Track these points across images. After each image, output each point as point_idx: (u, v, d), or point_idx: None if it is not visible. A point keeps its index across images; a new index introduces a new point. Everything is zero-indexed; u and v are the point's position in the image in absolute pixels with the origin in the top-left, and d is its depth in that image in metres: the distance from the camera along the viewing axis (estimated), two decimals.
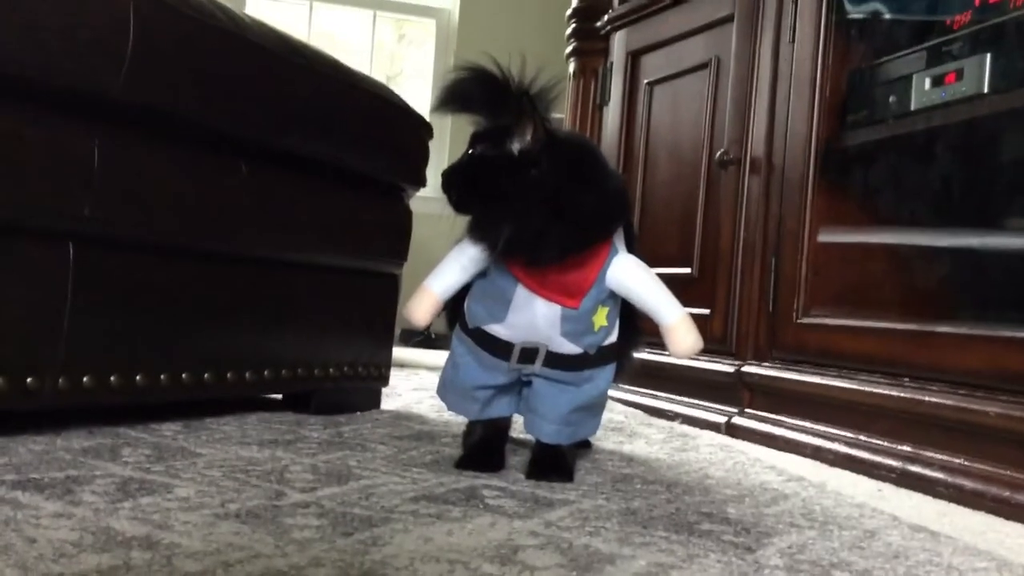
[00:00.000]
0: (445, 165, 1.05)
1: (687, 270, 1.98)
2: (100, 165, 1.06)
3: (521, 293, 1.02)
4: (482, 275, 1.07)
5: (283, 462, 1.04)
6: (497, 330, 1.06)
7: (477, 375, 1.09)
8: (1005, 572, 0.81)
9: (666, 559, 0.75)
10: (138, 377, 1.15)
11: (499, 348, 1.06)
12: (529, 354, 1.06)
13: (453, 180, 1.02)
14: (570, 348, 1.05)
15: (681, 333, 1.04)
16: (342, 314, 1.52)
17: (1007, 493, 1.14)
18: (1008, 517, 1.11)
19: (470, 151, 1.03)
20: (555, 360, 1.06)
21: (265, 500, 0.84)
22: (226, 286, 1.29)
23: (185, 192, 1.20)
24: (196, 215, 1.22)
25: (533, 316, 1.03)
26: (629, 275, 1.04)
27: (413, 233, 1.65)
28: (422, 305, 1.08)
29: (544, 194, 0.97)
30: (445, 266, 1.08)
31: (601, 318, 1.04)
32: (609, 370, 1.09)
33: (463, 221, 1.06)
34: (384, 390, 1.68)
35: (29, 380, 1.02)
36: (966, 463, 1.22)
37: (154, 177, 1.15)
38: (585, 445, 1.29)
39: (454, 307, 1.12)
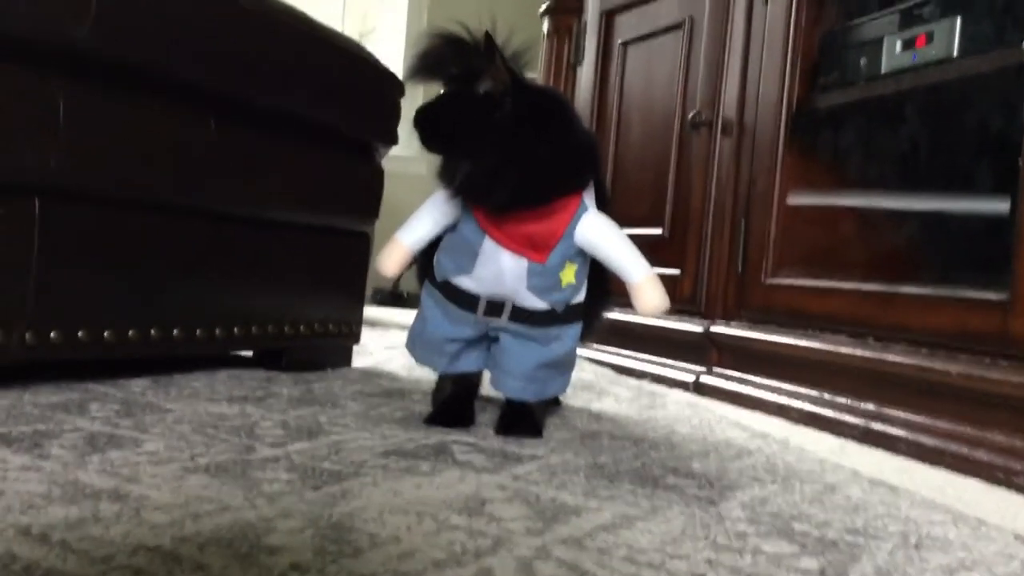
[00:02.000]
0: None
1: (658, 231, 1.99)
2: (66, 118, 1.05)
3: (488, 245, 1.03)
4: (452, 228, 1.07)
5: (253, 418, 1.04)
6: (464, 282, 1.07)
7: (445, 328, 1.10)
8: (960, 524, 0.84)
9: (631, 511, 0.77)
10: (106, 332, 1.14)
11: (466, 300, 1.07)
12: (495, 307, 1.06)
13: (424, 118, 1.03)
14: (536, 303, 1.06)
15: (647, 291, 1.05)
16: (313, 272, 1.52)
17: (966, 450, 1.17)
18: (967, 473, 1.14)
19: (443, 91, 1.03)
20: (521, 315, 1.06)
21: (234, 454, 0.85)
22: (195, 242, 1.28)
23: (153, 146, 1.18)
24: (164, 169, 1.20)
25: (499, 269, 1.03)
26: (597, 232, 1.04)
27: (385, 191, 1.64)
28: (392, 256, 1.10)
29: (501, 136, 0.98)
30: (416, 219, 1.10)
31: (569, 275, 1.05)
32: (576, 328, 1.10)
33: (433, 183, 1.06)
34: (355, 348, 1.68)
35: None
36: (927, 421, 1.25)
37: (121, 131, 1.14)
38: (554, 402, 1.31)
39: (425, 262, 1.12)
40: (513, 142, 0.98)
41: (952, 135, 1.66)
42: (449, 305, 1.08)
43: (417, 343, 1.14)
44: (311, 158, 1.47)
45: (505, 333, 1.09)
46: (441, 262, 1.09)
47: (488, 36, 0.99)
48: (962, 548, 0.75)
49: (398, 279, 1.07)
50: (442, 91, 1.04)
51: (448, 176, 1.02)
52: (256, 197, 1.37)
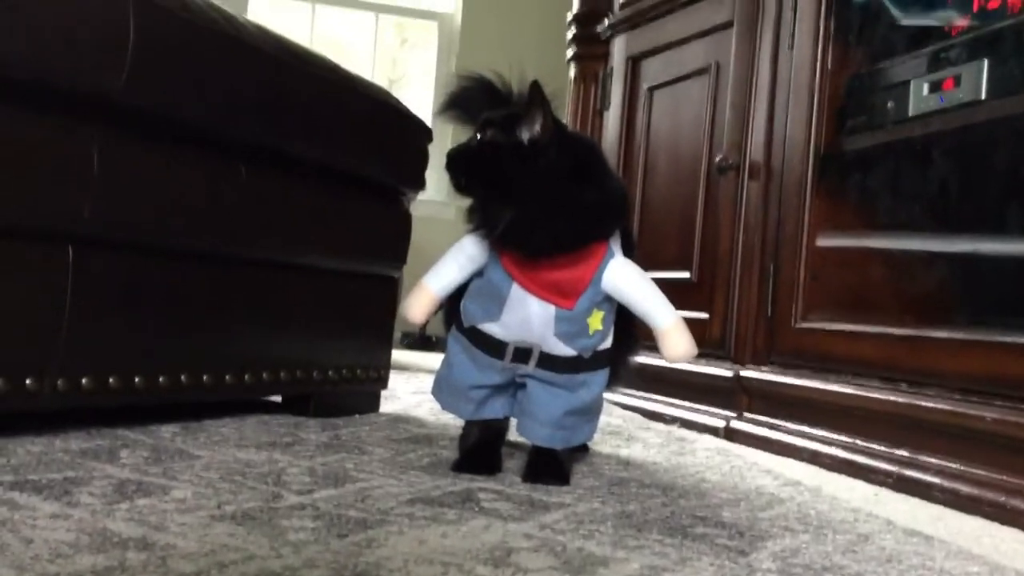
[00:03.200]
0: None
1: (686, 274, 1.98)
2: (100, 167, 1.07)
3: (516, 292, 1.03)
4: (479, 274, 1.08)
5: (280, 464, 1.04)
6: (491, 328, 1.07)
7: (471, 374, 1.10)
8: None
9: (659, 562, 0.76)
10: (137, 379, 1.15)
11: (493, 347, 1.07)
12: (523, 354, 1.06)
13: (458, 162, 1.04)
14: (564, 350, 1.05)
15: (674, 338, 1.04)
16: (341, 317, 1.52)
17: (1003, 498, 1.14)
18: (1003, 522, 1.11)
19: (479, 135, 1.04)
20: (549, 361, 1.06)
21: (261, 502, 0.85)
22: (225, 288, 1.30)
23: (184, 195, 1.21)
24: (195, 218, 1.22)
25: (527, 315, 1.03)
26: (624, 278, 1.04)
27: (413, 235, 1.66)
28: (419, 302, 1.10)
29: (548, 185, 0.98)
30: (443, 264, 1.10)
31: (596, 322, 1.05)
32: (603, 375, 1.10)
33: (461, 227, 1.07)
34: (383, 393, 1.68)
35: (28, 381, 1.03)
36: (962, 468, 1.22)
37: (154, 180, 1.16)
38: (582, 449, 1.30)
39: (452, 307, 1.13)
40: (556, 190, 0.99)
41: (982, 177, 1.65)
42: (476, 351, 1.08)
43: (443, 389, 1.14)
44: (340, 204, 1.49)
45: (532, 380, 1.09)
46: (468, 308, 1.09)
47: (536, 84, 1.00)
48: None
49: (426, 323, 1.08)
50: (476, 135, 1.04)
51: (484, 221, 1.02)
52: (285, 243, 1.38)
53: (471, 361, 1.10)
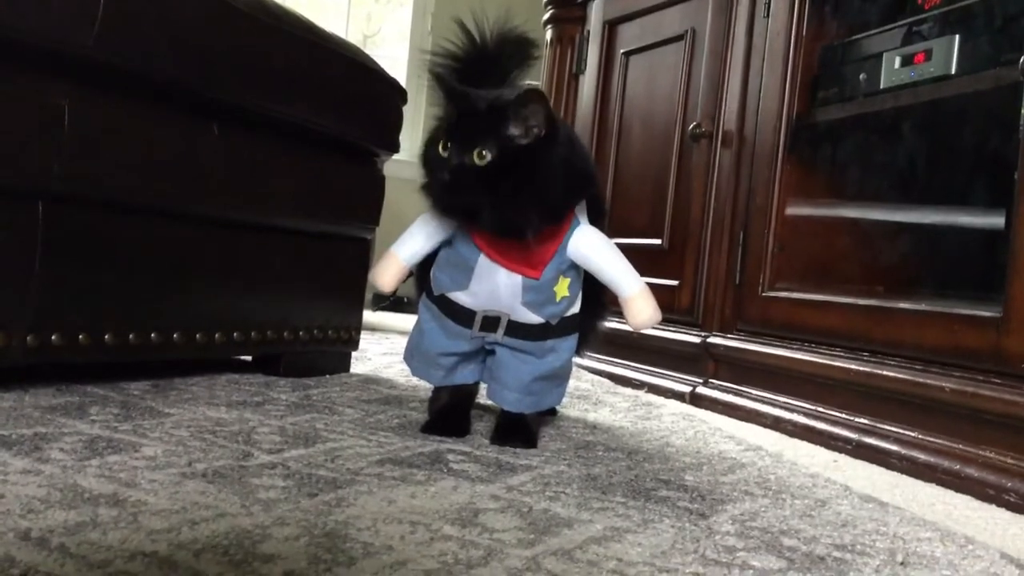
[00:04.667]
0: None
1: (657, 242, 2.00)
2: (70, 124, 1.06)
3: (483, 262, 1.04)
4: (448, 243, 1.09)
5: (251, 424, 1.05)
6: (460, 297, 1.07)
7: (442, 342, 1.11)
8: (948, 542, 0.84)
9: (622, 523, 0.78)
10: (107, 336, 1.15)
11: (462, 315, 1.08)
12: (491, 322, 1.07)
13: (463, 189, 0.98)
14: (532, 318, 1.06)
15: (639, 305, 1.06)
16: (313, 277, 1.53)
17: (957, 466, 1.18)
18: (957, 489, 1.15)
19: (478, 153, 0.97)
20: (517, 329, 1.07)
21: (232, 460, 0.86)
22: (196, 247, 1.29)
23: (156, 152, 1.20)
24: (167, 175, 1.22)
25: (495, 285, 1.04)
26: (589, 246, 1.05)
27: (386, 197, 1.65)
28: (388, 271, 1.10)
29: (540, 178, 0.97)
30: (412, 233, 1.10)
31: (563, 288, 1.06)
32: (572, 340, 1.11)
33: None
34: (354, 354, 1.69)
35: None
36: (920, 436, 1.26)
37: (124, 136, 1.15)
38: (550, 412, 1.32)
39: (423, 273, 1.13)
40: (546, 181, 0.98)
41: (949, 151, 1.67)
42: (446, 320, 1.09)
43: (414, 356, 1.15)
44: (313, 164, 1.48)
45: (501, 347, 1.10)
46: (438, 277, 1.10)
47: (537, 91, 0.97)
48: (948, 566, 0.76)
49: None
50: (471, 149, 0.97)
51: (456, 210, 1.01)
52: (257, 203, 1.38)
53: (441, 329, 1.10)
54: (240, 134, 1.32)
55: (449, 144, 0.98)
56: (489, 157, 0.96)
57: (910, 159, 1.70)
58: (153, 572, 0.55)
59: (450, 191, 0.98)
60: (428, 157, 1.01)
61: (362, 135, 1.59)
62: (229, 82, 1.28)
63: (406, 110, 1.69)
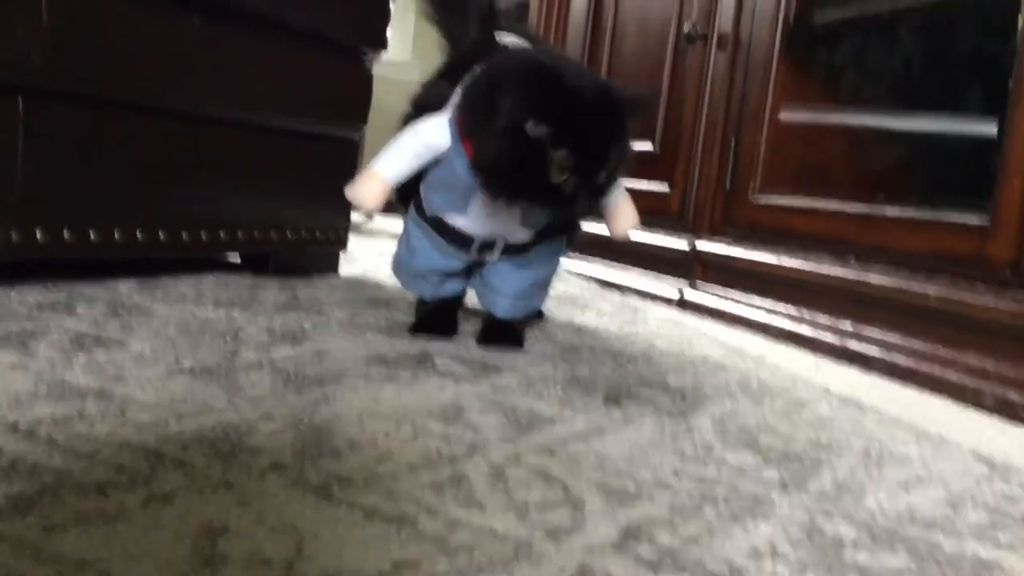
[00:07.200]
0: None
1: (648, 146, 1.98)
2: (49, 13, 1.03)
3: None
4: (436, 162, 1.03)
5: (238, 322, 1.05)
6: (457, 221, 1.04)
7: (434, 260, 1.09)
8: (923, 442, 0.86)
9: (603, 422, 0.79)
10: (92, 233, 1.15)
11: (459, 239, 1.06)
12: (487, 245, 1.06)
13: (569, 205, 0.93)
14: (527, 236, 1.06)
15: (621, 211, 1.05)
16: (300, 177, 1.51)
17: (938, 370, 1.19)
18: (937, 393, 1.17)
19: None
20: (512, 249, 1.07)
21: (219, 358, 0.86)
22: (182, 144, 1.27)
23: (136, 43, 1.17)
24: (148, 68, 1.19)
25: (494, 210, 1.00)
26: None
27: (374, 97, 1.63)
28: (372, 191, 1.01)
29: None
30: (398, 150, 1.02)
31: None
32: (560, 243, 1.11)
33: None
34: (342, 255, 1.69)
35: None
36: (902, 341, 1.27)
37: (104, 26, 1.12)
38: (538, 315, 1.32)
39: (406, 188, 1.08)
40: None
41: (945, 56, 1.64)
42: (438, 238, 1.07)
43: (404, 270, 1.13)
44: (298, 62, 1.45)
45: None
46: (431, 199, 1.05)
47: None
48: (920, 464, 0.78)
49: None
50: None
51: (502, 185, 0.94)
52: (242, 99, 1.35)
53: (433, 248, 1.08)
54: (221, 27, 1.29)
55: (568, 163, 0.89)
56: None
57: (906, 63, 1.67)
58: (140, 463, 0.56)
59: (555, 204, 0.92)
60: (517, 161, 0.89)
61: (348, 31, 1.55)
62: None
63: (393, 6, 1.65)
